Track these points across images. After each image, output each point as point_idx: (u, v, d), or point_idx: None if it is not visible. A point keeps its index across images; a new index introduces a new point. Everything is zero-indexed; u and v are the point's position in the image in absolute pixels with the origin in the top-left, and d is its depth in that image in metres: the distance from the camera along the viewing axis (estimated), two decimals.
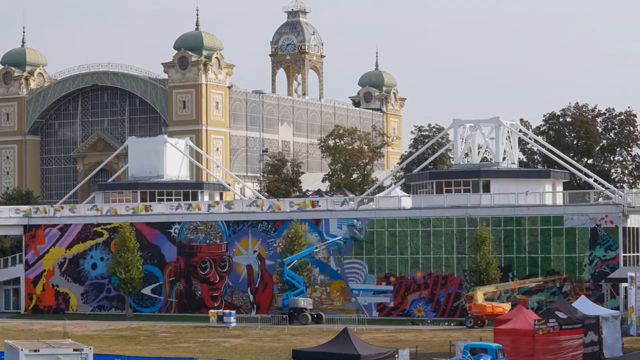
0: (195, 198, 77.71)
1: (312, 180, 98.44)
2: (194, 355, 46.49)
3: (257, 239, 69.54)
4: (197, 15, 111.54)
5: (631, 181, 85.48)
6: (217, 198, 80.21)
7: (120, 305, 71.98)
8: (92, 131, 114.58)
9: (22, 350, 34.99)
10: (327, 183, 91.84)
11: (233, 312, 64.09)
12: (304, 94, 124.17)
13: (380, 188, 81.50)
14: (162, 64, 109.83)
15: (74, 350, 35.38)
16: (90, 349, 35.89)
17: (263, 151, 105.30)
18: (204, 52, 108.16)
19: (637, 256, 63.17)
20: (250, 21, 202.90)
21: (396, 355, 37.40)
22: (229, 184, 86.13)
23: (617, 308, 57.06)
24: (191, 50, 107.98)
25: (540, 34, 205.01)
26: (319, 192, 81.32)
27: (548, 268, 63.31)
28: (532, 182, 67.82)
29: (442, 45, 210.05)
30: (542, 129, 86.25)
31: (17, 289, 75.98)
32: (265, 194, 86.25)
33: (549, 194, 66.73)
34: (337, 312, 65.91)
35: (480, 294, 59.53)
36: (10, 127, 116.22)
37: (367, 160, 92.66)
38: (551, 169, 73.09)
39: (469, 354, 39.14)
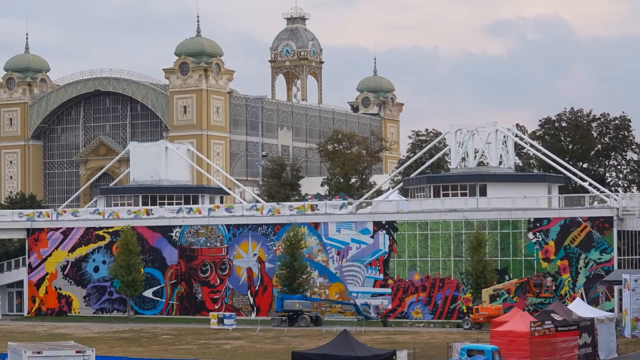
0: (196, 202, 78.45)
1: (311, 184, 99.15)
2: (195, 357, 47.23)
3: (257, 242, 70.29)
4: (198, 21, 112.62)
5: (626, 185, 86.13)
6: (218, 202, 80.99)
7: (122, 308, 72.61)
8: (94, 136, 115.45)
9: (25, 352, 35.11)
10: (326, 187, 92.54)
11: (233, 314, 64.81)
12: (303, 100, 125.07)
13: (379, 192, 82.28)
14: (163, 69, 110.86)
15: (77, 352, 35.54)
16: (92, 350, 36.14)
17: (263, 156, 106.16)
18: (205, 58, 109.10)
19: (632, 259, 63.94)
20: (250, 27, 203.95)
21: (394, 357, 37.99)
22: (229, 188, 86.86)
23: (612, 310, 57.73)
24: (192, 56, 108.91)
25: (537, 38, 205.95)
26: (318, 196, 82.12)
27: (544, 270, 64.14)
28: (528, 186, 68.57)
29: (440, 50, 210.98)
30: (538, 133, 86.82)
31: (21, 292, 76.56)
32: (265, 198, 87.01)
33: (545, 198, 67.53)
34: (336, 314, 66.67)
35: (485, 294, 60.12)
36: (13, 132, 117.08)
37: (365, 165, 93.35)
38: (547, 173, 73.81)
39: (465, 356, 39.72)
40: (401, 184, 78.47)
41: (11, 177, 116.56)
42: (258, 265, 70.18)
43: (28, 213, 77.08)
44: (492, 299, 61.47)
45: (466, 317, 61.97)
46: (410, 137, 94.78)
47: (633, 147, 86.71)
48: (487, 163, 71.96)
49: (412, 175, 75.12)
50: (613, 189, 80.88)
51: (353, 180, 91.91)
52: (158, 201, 77.61)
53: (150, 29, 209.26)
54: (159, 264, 72.47)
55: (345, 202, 70.91)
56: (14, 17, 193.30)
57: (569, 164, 74.66)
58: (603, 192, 67.58)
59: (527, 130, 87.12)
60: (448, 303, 65.79)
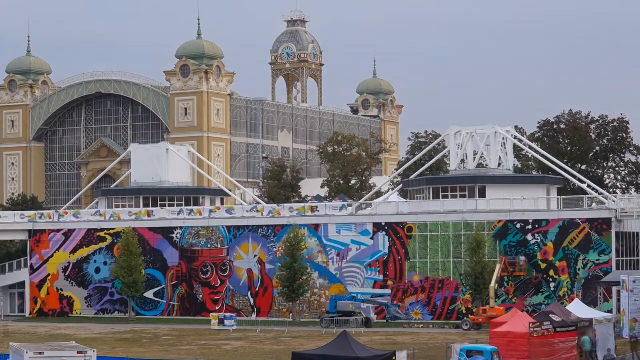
0: (196, 203, 78.82)
1: (312, 186, 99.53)
2: (195, 357, 47.57)
3: (257, 243, 70.67)
4: (199, 24, 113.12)
5: (624, 187, 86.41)
6: (218, 203, 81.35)
7: (123, 309, 72.94)
8: (96, 138, 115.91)
9: (27, 353, 35.46)
10: (326, 189, 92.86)
11: (234, 315, 65.17)
12: (303, 102, 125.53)
13: (378, 194, 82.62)
14: (164, 72, 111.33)
15: (78, 353, 35.92)
16: (94, 351, 36.55)
17: (263, 157, 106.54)
18: (206, 61, 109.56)
19: (630, 260, 64.27)
20: (251, 30, 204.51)
21: (394, 358, 38.32)
22: (230, 190, 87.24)
23: (610, 311, 58.02)
24: (193, 59, 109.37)
25: (536, 41, 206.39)
26: (318, 198, 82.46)
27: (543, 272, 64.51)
28: (527, 188, 68.92)
29: (439, 53, 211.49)
30: (536, 135, 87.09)
31: (22, 293, 76.90)
32: (266, 199, 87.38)
33: (544, 200, 67.91)
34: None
35: (492, 291, 60.55)
36: (15, 134, 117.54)
37: (365, 167, 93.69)
38: (546, 175, 74.06)
39: (465, 356, 40.01)
40: (401, 185, 78.77)
41: (13, 179, 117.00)
42: (258, 267, 70.54)
43: (30, 214, 77.47)
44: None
45: (465, 318, 62.34)
46: (409, 139, 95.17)
47: (631, 149, 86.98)
48: (486, 165, 72.28)
49: (412, 177, 75.43)
50: (611, 190, 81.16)
51: (353, 182, 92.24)
52: (159, 203, 77.97)
53: (151, 31, 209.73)
54: (160, 265, 72.82)
55: (345, 203, 71.24)
56: (15, 20, 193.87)
57: (567, 165, 74.97)
58: (601, 193, 67.90)
59: (526, 132, 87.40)
60: (447, 304, 66.15)
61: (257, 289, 70.50)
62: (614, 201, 64.39)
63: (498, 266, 62.70)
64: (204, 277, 71.84)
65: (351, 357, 36.46)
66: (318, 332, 59.44)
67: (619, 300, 57.77)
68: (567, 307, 47.50)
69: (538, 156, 75.92)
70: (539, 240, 64.42)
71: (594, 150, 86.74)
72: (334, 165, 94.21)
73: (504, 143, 71.78)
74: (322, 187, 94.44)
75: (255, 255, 70.55)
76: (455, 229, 66.11)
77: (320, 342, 48.64)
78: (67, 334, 60.13)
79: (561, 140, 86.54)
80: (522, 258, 63.56)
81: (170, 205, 76.94)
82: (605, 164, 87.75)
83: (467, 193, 68.11)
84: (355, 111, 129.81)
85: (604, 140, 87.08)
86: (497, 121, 75.29)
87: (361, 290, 67.61)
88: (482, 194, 67.93)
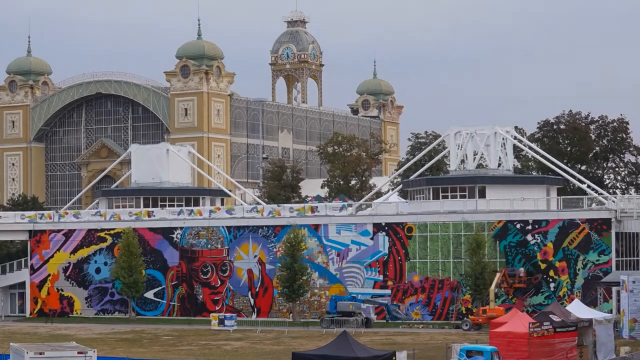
0: (197, 204, 78.93)
1: (312, 186, 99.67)
2: (196, 357, 47.67)
3: (257, 243, 70.79)
4: (199, 24, 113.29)
5: (624, 187, 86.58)
6: (219, 204, 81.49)
7: (124, 309, 73.06)
8: (96, 138, 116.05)
9: (27, 353, 35.58)
10: (326, 189, 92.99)
11: (234, 315, 65.29)
12: (303, 102, 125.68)
13: (378, 194, 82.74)
14: (164, 72, 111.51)
15: (79, 353, 36.02)
16: (94, 351, 36.66)
17: (263, 158, 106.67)
18: (206, 61, 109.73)
19: (630, 260, 64.39)
20: (251, 30, 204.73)
21: (394, 358, 38.41)
22: (230, 190, 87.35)
23: (610, 311, 58.10)
24: (193, 59, 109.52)
25: (535, 42, 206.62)
26: (318, 198, 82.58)
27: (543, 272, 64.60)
28: (526, 188, 69.05)
29: (439, 53, 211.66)
30: (536, 136, 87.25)
31: (23, 293, 77.05)
32: (266, 199, 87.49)
33: (544, 200, 68.02)
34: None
35: (492, 294, 60.71)
36: (15, 135, 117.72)
37: (365, 167, 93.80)
38: (545, 176, 74.20)
39: (464, 357, 40.10)
40: (401, 186, 78.87)
41: (13, 179, 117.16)
42: (259, 267, 70.65)
43: (30, 215, 77.59)
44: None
45: (465, 318, 62.45)
46: (409, 140, 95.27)
47: (631, 149, 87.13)
48: (486, 165, 72.41)
49: (412, 177, 75.53)
50: (611, 191, 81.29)
51: (353, 182, 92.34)
52: (159, 203, 78.08)
53: (151, 32, 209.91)
54: (160, 266, 72.93)
55: (345, 204, 71.34)
56: (15, 21, 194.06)
57: (567, 166, 75.06)
58: (601, 194, 68.00)
59: (525, 133, 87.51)
60: (447, 304, 66.24)
61: (257, 289, 70.59)
62: (613, 201, 64.49)
63: (498, 275, 62.80)
64: (204, 277, 71.93)
65: (351, 357, 36.53)
66: (318, 332, 59.53)
67: (618, 301, 57.86)
68: (566, 307, 47.56)
69: (538, 156, 75.99)
70: (538, 241, 64.52)
71: (594, 151, 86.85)
72: (334, 165, 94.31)
73: (504, 143, 71.86)
74: (322, 187, 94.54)
75: (256, 256, 70.65)
76: (455, 229, 66.20)
77: (320, 342, 48.73)
78: (68, 334, 60.18)
79: (561, 141, 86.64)
80: (522, 270, 63.61)
81: (170, 206, 77.03)
82: (604, 164, 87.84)
83: (467, 193, 68.21)
84: (355, 111, 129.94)
85: (604, 141, 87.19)
86: (497, 121, 75.40)
87: (361, 291, 67.72)
88: (482, 194, 68.03)
